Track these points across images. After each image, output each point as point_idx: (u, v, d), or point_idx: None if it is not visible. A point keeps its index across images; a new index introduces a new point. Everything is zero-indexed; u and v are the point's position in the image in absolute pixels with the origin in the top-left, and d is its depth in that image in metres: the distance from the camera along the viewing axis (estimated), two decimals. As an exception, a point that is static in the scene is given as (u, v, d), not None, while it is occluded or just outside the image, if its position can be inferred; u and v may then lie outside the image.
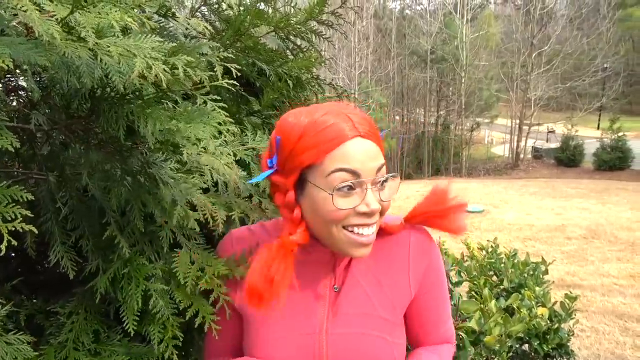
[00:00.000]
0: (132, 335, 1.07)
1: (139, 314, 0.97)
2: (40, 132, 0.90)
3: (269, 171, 0.94)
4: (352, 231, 0.92)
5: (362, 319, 1.04)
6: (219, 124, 0.80)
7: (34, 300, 1.08)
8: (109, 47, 0.64)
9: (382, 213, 0.95)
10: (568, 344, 2.80)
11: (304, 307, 1.04)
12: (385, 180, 0.92)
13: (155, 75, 0.65)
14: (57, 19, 0.66)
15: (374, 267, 1.06)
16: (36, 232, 0.70)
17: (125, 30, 0.78)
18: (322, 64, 1.57)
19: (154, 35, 0.74)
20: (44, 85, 0.96)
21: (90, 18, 0.69)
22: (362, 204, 0.90)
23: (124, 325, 1.03)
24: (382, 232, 1.05)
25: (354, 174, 0.88)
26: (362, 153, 0.89)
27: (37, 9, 0.67)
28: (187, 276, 1.00)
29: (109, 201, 0.95)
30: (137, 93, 0.80)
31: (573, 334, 2.89)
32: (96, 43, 0.64)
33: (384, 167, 0.92)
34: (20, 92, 1.09)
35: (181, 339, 1.02)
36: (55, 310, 1.03)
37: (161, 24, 1.07)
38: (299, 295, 1.03)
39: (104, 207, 0.98)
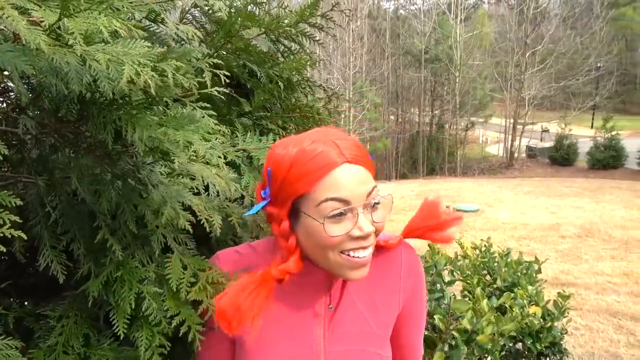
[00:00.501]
0: (121, 339, 1.07)
1: (129, 318, 0.97)
2: (28, 135, 0.90)
3: (263, 203, 0.95)
4: (348, 255, 0.92)
5: (359, 336, 1.05)
6: (208, 132, 0.80)
7: (24, 304, 1.08)
8: (96, 54, 0.64)
9: (377, 233, 0.95)
10: (561, 342, 2.82)
11: (300, 328, 1.03)
12: (378, 203, 0.93)
13: (144, 82, 0.66)
14: (44, 26, 0.66)
15: (369, 286, 1.07)
16: (25, 238, 0.70)
17: (115, 35, 0.78)
18: (313, 66, 1.57)
19: (143, 41, 0.75)
20: (33, 88, 0.96)
21: (78, 24, 0.69)
22: (355, 228, 0.90)
23: (114, 329, 1.04)
24: (378, 250, 1.06)
25: (344, 201, 0.89)
26: (351, 179, 0.90)
27: (23, 16, 0.67)
28: (181, 282, 0.99)
29: (99, 205, 0.95)
30: (126, 99, 0.80)
31: (566, 332, 2.91)
32: (84, 50, 0.64)
33: (375, 189, 0.93)
34: (10, 94, 1.09)
35: (168, 348, 1.00)
36: (45, 314, 1.02)
37: (150, 29, 1.07)
38: (294, 316, 1.03)
39: (94, 210, 0.98)
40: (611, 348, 4.99)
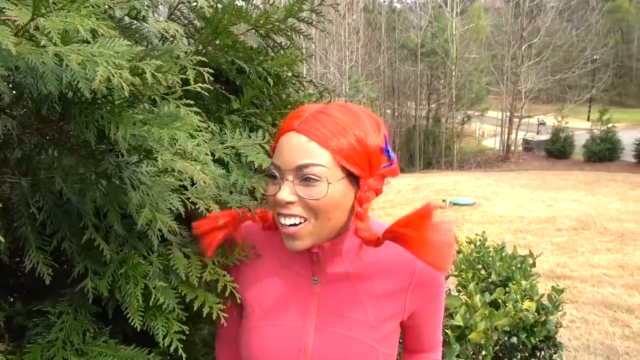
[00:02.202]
0: (123, 337, 1.09)
1: (142, 309, 0.99)
2: (10, 136, 0.89)
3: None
4: (280, 217, 0.98)
5: (352, 322, 1.05)
6: (194, 130, 0.79)
7: (14, 303, 1.08)
8: (69, 54, 0.63)
9: (313, 212, 0.96)
10: (556, 336, 2.83)
11: (295, 301, 1.08)
12: (311, 179, 0.93)
13: (121, 83, 0.65)
14: (17, 26, 0.65)
15: (375, 279, 1.07)
16: (2, 240, 0.69)
17: (96, 34, 0.77)
18: (303, 62, 1.56)
19: (122, 39, 0.73)
20: (15, 88, 0.95)
21: (55, 23, 0.68)
22: (278, 193, 0.95)
23: (118, 324, 1.06)
24: (387, 247, 1.04)
25: (276, 166, 0.97)
26: (288, 147, 0.96)
27: None
28: (189, 271, 1.02)
29: (84, 204, 0.95)
30: (108, 97, 0.79)
31: (561, 326, 2.92)
32: (58, 51, 0.63)
33: (313, 166, 0.93)
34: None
35: (187, 332, 1.04)
36: (43, 310, 1.03)
37: (132, 27, 1.06)
38: (289, 287, 1.08)
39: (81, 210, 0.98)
40: (606, 340, 5.02)
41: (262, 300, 1.10)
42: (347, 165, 0.95)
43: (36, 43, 0.65)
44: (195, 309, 1.04)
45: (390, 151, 1.01)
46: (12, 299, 1.13)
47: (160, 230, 0.99)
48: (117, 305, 1.03)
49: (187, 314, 1.06)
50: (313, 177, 0.93)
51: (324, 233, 0.99)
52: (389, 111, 30.76)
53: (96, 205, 0.93)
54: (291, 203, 0.95)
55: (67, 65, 0.68)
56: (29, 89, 0.83)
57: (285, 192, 0.94)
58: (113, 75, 0.62)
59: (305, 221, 0.96)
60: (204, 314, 1.04)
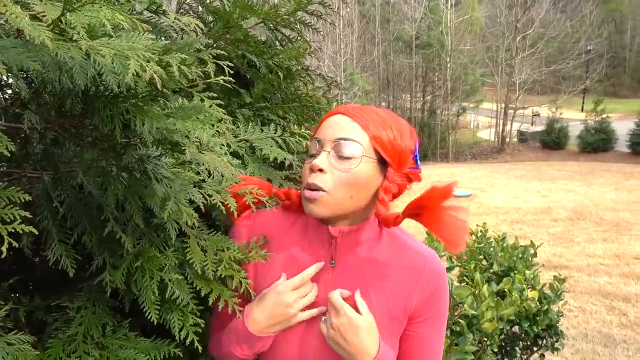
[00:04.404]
0: (141, 330, 1.10)
1: (158, 303, 1.00)
2: (32, 130, 0.89)
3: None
4: (306, 190, 1.04)
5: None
6: (217, 121, 0.80)
7: (34, 298, 1.09)
8: (101, 48, 0.64)
9: (339, 184, 1.01)
10: (557, 324, 2.86)
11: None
12: (346, 158, 1.01)
13: (150, 76, 0.65)
14: (47, 21, 0.66)
15: (385, 278, 1.09)
16: (36, 232, 0.70)
17: (117, 28, 0.77)
18: (311, 54, 1.57)
19: (147, 33, 0.74)
20: (31, 84, 0.95)
21: (81, 17, 0.69)
22: (314, 159, 1.03)
23: (136, 317, 1.07)
24: (398, 242, 1.12)
25: (317, 140, 1.05)
26: (331, 123, 1.05)
27: (25, 11, 0.66)
28: (205, 264, 1.04)
29: (105, 198, 0.95)
30: (131, 91, 0.79)
31: (562, 315, 2.95)
32: (89, 45, 0.63)
33: (350, 141, 1.01)
34: (6, 90, 1.08)
35: (202, 325, 1.05)
36: (61, 305, 1.04)
37: (152, 21, 1.06)
38: (301, 272, 1.10)
39: (102, 203, 0.98)
40: (604, 329, 5.07)
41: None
42: (381, 150, 1.03)
43: (66, 38, 0.66)
44: (210, 302, 1.05)
45: (418, 157, 1.09)
46: (30, 295, 1.13)
47: (177, 223, 1.00)
48: (134, 299, 1.04)
49: (202, 307, 1.07)
50: (349, 155, 1.01)
51: (342, 209, 1.04)
52: (384, 104, 30.72)
53: (117, 198, 0.94)
54: (322, 171, 1.02)
55: (94, 60, 0.69)
56: (51, 84, 0.84)
57: (321, 159, 1.02)
58: (144, 69, 0.63)
59: (324, 192, 1.02)
60: (220, 307, 1.05)
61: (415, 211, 1.00)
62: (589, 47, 29.71)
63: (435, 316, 1.12)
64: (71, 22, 0.69)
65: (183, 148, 0.78)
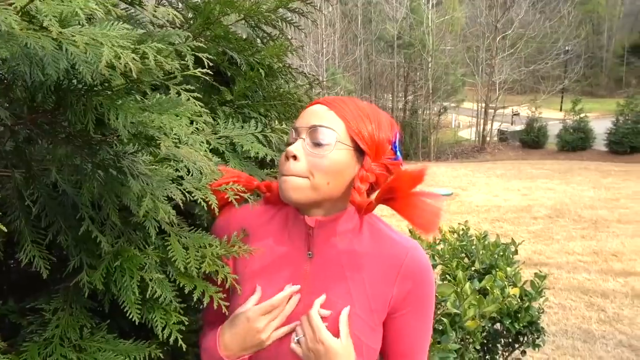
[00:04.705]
0: (118, 332, 1.07)
1: (139, 302, 0.98)
2: (2, 126, 0.86)
3: None
4: (282, 176, 1.05)
5: (337, 307, 1.05)
6: (194, 114, 0.77)
7: (7, 301, 1.05)
8: (74, 36, 0.61)
9: (315, 171, 1.02)
10: (538, 321, 2.88)
11: (285, 280, 1.08)
12: (321, 145, 1.02)
13: (125, 65, 0.63)
14: (15, 7, 0.63)
15: (365, 270, 1.08)
16: (5, 230, 0.67)
17: (91, 19, 0.75)
18: (293, 52, 1.55)
19: (122, 23, 0.71)
20: (2, 79, 0.92)
21: (52, 6, 0.66)
22: (290, 147, 1.04)
23: (115, 318, 1.04)
24: (379, 235, 1.10)
25: (294, 129, 1.07)
26: (308, 112, 1.07)
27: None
28: (189, 262, 1.02)
29: (80, 196, 0.92)
30: (106, 84, 0.76)
31: (543, 312, 2.98)
32: (60, 32, 0.60)
33: (324, 129, 1.02)
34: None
35: (186, 323, 1.03)
36: (37, 307, 1.01)
37: (128, 12, 1.03)
38: (281, 266, 1.10)
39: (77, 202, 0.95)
40: (583, 325, 5.15)
41: (253, 279, 1.11)
42: (357, 138, 1.04)
43: (36, 25, 0.63)
44: (195, 299, 1.03)
45: (397, 149, 1.09)
46: (2, 298, 1.10)
47: (157, 221, 0.97)
48: (113, 299, 1.01)
49: (185, 305, 1.05)
50: (323, 142, 1.02)
51: (318, 196, 1.03)
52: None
53: (93, 196, 0.91)
54: (296, 158, 1.02)
55: (66, 50, 0.66)
56: (22, 77, 0.80)
57: (295, 146, 1.03)
58: (119, 57, 0.60)
59: (301, 178, 1.02)
60: (205, 303, 1.04)
61: (387, 196, 0.99)
62: (567, 48, 30.19)
63: (420, 308, 1.10)
64: (42, 11, 0.66)
65: (158, 142, 0.75)
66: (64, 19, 0.65)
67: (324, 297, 1.05)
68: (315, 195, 1.03)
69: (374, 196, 1.03)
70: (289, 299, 1.07)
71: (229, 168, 1.16)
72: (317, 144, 1.02)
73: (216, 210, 1.04)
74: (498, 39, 25.84)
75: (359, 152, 1.06)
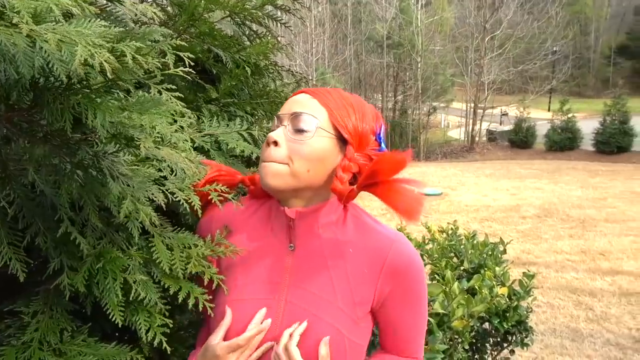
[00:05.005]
0: (101, 335, 1.05)
1: (123, 305, 0.96)
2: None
3: None
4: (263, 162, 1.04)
5: (320, 301, 1.03)
6: (175, 113, 0.75)
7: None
8: (46, 33, 0.59)
9: (295, 158, 1.01)
10: (526, 320, 2.89)
11: (268, 273, 1.07)
12: (303, 131, 1.01)
13: (100, 64, 0.61)
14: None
15: (348, 260, 1.06)
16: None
17: (68, 15, 0.72)
18: (280, 50, 1.53)
19: (99, 20, 0.69)
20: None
21: (25, 2, 0.64)
22: (271, 133, 1.03)
23: (97, 321, 1.02)
24: (363, 226, 1.09)
25: (277, 117, 1.06)
26: (291, 101, 1.07)
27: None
28: (174, 263, 1.00)
29: (59, 197, 0.90)
30: (83, 82, 0.74)
31: (531, 311, 2.98)
32: (32, 30, 0.58)
33: (306, 115, 1.02)
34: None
35: (170, 325, 1.01)
36: (15, 310, 0.99)
37: (107, 8, 1.01)
38: (263, 260, 1.08)
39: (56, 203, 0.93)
40: (571, 324, 5.18)
41: (235, 275, 1.09)
42: (340, 126, 1.03)
43: (6, 21, 0.60)
44: (180, 301, 1.01)
45: (382, 139, 1.08)
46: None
47: (141, 222, 0.95)
48: (95, 301, 0.99)
49: (170, 306, 1.03)
50: (304, 128, 1.01)
51: (298, 183, 1.02)
52: (356, 103, 30.75)
53: (72, 197, 0.88)
54: (277, 144, 1.01)
55: (40, 47, 0.64)
56: (-3, 74, 0.78)
57: (277, 133, 1.02)
58: (93, 56, 0.58)
59: (281, 164, 1.01)
60: (190, 305, 1.01)
61: (369, 181, 0.98)
62: (555, 48, 30.42)
63: (409, 299, 1.09)
64: (14, 7, 0.64)
65: (138, 143, 0.73)
66: (37, 15, 0.63)
67: (305, 325, 1.02)
68: (294, 182, 1.02)
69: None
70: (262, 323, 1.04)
71: (211, 161, 1.15)
72: (299, 130, 1.02)
73: (199, 212, 1.02)
74: (487, 39, 25.97)
75: (342, 141, 1.05)
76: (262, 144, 1.06)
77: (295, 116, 1.03)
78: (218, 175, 1.13)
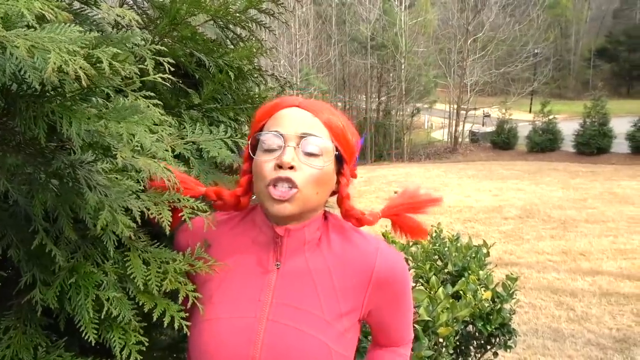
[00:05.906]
0: (79, 349, 1.01)
1: (96, 321, 0.91)
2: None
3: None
4: (273, 187, 0.98)
5: (306, 316, 1.01)
6: (155, 124, 0.73)
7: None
8: (15, 40, 0.56)
9: (307, 182, 0.98)
10: (510, 323, 2.90)
11: (250, 291, 1.03)
12: (313, 155, 0.99)
13: (74, 72, 0.58)
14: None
15: (333, 273, 1.04)
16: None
17: (42, 21, 0.69)
18: (264, 54, 1.50)
19: (74, 25, 0.66)
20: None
21: (-4, 6, 0.61)
22: (282, 155, 0.97)
23: (74, 335, 0.98)
24: (352, 237, 1.09)
25: (278, 134, 0.99)
26: (292, 118, 1.01)
27: None
28: (148, 278, 0.96)
29: (33, 207, 0.86)
30: (58, 90, 0.71)
31: (514, 313, 3.00)
32: (2, 35, 0.55)
33: (320, 140, 0.99)
34: None
35: (146, 343, 0.96)
36: None
37: (84, 12, 0.97)
38: (245, 277, 1.04)
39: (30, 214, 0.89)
40: (553, 324, 5.23)
41: (210, 292, 1.05)
42: (340, 146, 1.03)
43: (-25, 28, 0.57)
44: (154, 319, 0.97)
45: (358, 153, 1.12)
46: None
47: (117, 235, 0.91)
48: (69, 317, 0.95)
49: (146, 324, 0.99)
50: (315, 152, 0.99)
51: (307, 207, 1.01)
52: (340, 104, 30.84)
53: (46, 208, 0.85)
54: (292, 168, 0.97)
55: (11, 54, 0.61)
56: (-34, 80, 0.74)
57: (290, 155, 0.97)
58: (67, 63, 0.55)
59: (296, 189, 0.97)
60: (165, 324, 0.97)
61: (399, 212, 1.13)
62: (536, 51, 30.82)
63: (398, 301, 1.12)
64: (-16, 12, 0.61)
65: (114, 152, 0.70)
66: (7, 19, 0.60)
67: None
68: (303, 207, 1.00)
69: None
70: None
71: (175, 170, 1.05)
72: (309, 154, 0.99)
73: (167, 229, 0.97)
74: (469, 41, 26.22)
75: (337, 159, 1.05)
76: (258, 163, 1.01)
77: (305, 138, 0.99)
78: (179, 187, 1.06)
